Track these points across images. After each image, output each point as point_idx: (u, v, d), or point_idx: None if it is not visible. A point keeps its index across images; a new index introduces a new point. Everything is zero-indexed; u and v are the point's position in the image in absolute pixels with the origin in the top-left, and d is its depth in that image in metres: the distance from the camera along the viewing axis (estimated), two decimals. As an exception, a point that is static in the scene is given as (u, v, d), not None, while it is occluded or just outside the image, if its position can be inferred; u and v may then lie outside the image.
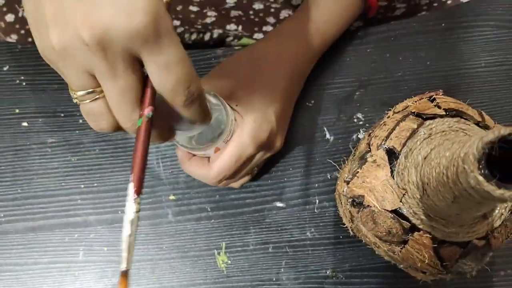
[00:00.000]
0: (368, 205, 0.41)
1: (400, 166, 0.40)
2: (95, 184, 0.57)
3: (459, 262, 0.42)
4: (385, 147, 0.41)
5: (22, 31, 0.67)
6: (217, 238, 0.56)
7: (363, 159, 0.43)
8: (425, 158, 0.38)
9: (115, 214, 0.57)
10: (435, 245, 0.40)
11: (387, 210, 0.40)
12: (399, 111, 0.44)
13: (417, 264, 0.42)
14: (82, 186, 0.57)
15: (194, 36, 0.82)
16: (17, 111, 0.59)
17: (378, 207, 0.40)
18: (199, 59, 0.60)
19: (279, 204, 0.56)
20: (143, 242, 0.56)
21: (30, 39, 0.67)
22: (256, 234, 0.56)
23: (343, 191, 0.44)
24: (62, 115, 0.59)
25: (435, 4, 0.70)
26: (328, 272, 0.55)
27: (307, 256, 0.55)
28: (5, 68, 0.60)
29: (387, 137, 0.42)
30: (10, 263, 0.56)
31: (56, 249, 0.56)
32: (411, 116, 0.42)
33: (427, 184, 0.37)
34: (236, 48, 0.61)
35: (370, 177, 0.41)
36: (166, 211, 0.57)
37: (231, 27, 0.75)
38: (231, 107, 0.48)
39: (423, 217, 0.40)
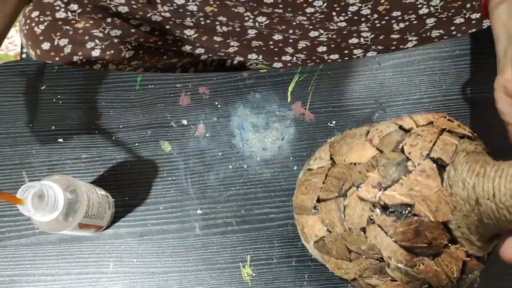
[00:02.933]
0: (415, 215, 0.40)
1: (450, 179, 0.41)
2: (126, 198, 0.60)
3: (470, 275, 0.43)
4: (432, 157, 0.42)
5: (57, 58, 0.71)
6: (242, 251, 0.58)
7: (401, 166, 0.42)
8: (473, 183, 0.40)
9: (145, 227, 0.59)
10: (467, 259, 0.41)
11: (438, 221, 0.40)
12: (423, 125, 0.46)
13: (436, 279, 0.42)
14: (114, 200, 0.60)
15: (215, 62, 0.86)
16: (53, 128, 0.62)
17: (431, 218, 0.40)
18: (226, 82, 0.63)
19: (302, 219, 0.59)
20: (171, 254, 0.59)
21: (65, 66, 0.71)
22: (280, 248, 0.58)
23: (373, 196, 0.42)
24: (96, 132, 0.62)
25: (445, 37, 0.74)
26: (350, 286, 0.57)
27: (329, 270, 0.57)
28: (42, 88, 0.64)
29: (431, 149, 0.42)
30: (43, 273, 0.58)
31: (87, 260, 0.59)
32: (446, 132, 0.43)
33: (477, 202, 0.38)
34: (262, 71, 0.64)
35: (419, 186, 0.40)
36: (193, 224, 0.59)
37: (252, 56, 0.79)
38: None
39: (465, 230, 0.41)
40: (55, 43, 0.71)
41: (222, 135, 0.61)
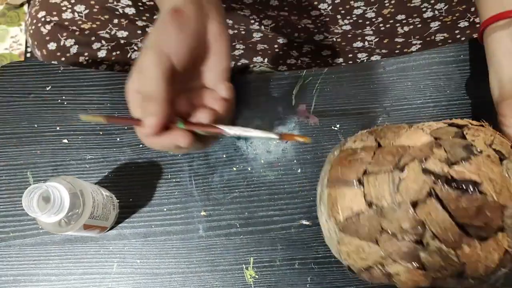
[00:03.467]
0: (482, 192, 0.41)
1: (509, 170, 0.43)
2: (131, 199, 0.60)
3: (501, 270, 0.44)
4: (494, 149, 0.44)
5: (63, 59, 0.72)
6: (245, 253, 0.59)
7: (467, 149, 0.44)
8: None
9: (149, 228, 0.59)
10: (509, 249, 0.43)
11: (500, 204, 0.42)
12: (477, 125, 0.47)
13: (474, 265, 0.43)
14: (118, 200, 0.60)
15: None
16: (58, 128, 0.62)
17: (495, 198, 0.41)
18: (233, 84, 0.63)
19: (305, 222, 0.59)
20: (175, 255, 0.59)
21: (70, 66, 0.71)
22: (283, 250, 0.59)
23: (441, 169, 0.43)
24: (101, 133, 0.62)
25: (450, 41, 0.74)
26: (355, 285, 0.57)
27: (332, 273, 0.58)
28: (48, 88, 0.64)
29: (492, 141, 0.45)
30: (47, 273, 0.59)
31: (91, 260, 0.59)
32: (498, 134, 0.47)
33: None
34: (267, 74, 0.64)
35: (486, 168, 0.42)
36: (197, 226, 0.59)
37: (257, 59, 0.79)
38: None
39: None
40: (61, 43, 0.71)
41: (226, 137, 0.62)
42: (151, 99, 0.43)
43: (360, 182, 0.46)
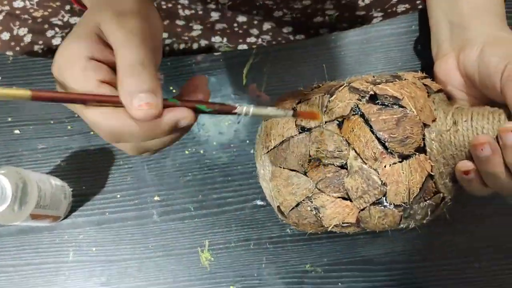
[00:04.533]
0: (402, 107, 0.43)
1: (434, 100, 0.46)
2: (84, 187, 0.60)
3: (424, 203, 0.44)
4: (423, 83, 0.46)
5: (17, 48, 0.71)
6: (200, 236, 0.58)
7: (395, 77, 0.46)
8: (453, 112, 0.45)
9: (103, 215, 0.59)
10: (430, 174, 0.43)
11: (420, 120, 0.43)
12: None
13: (396, 186, 0.43)
14: (71, 189, 0.59)
15: (182, 46, 0.85)
16: (9, 119, 0.62)
17: (415, 113, 0.43)
18: (180, 66, 0.63)
19: (259, 203, 0.59)
20: (130, 241, 0.59)
21: (25, 55, 0.70)
22: (238, 231, 0.58)
23: (365, 87, 0.45)
24: (52, 122, 0.61)
25: (411, 12, 0.73)
26: (307, 267, 0.57)
27: (287, 251, 0.57)
28: (-2, 79, 0.63)
29: (422, 77, 0.48)
30: (4, 265, 0.59)
31: (47, 250, 0.59)
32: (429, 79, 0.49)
33: (455, 123, 0.44)
34: (216, 54, 0.63)
35: (409, 89, 0.44)
36: (151, 211, 0.59)
37: (216, 39, 0.78)
38: None
39: (437, 146, 0.43)
40: (15, 32, 0.70)
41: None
42: (142, 67, 0.35)
43: (294, 109, 0.46)
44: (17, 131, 0.62)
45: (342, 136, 0.44)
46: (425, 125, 0.43)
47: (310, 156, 0.45)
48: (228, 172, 0.60)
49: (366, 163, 0.43)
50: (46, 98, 0.34)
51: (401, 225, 0.46)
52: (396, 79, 0.45)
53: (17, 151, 0.61)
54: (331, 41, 0.62)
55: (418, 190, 0.43)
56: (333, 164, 0.44)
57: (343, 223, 0.45)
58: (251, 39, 0.78)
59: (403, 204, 0.43)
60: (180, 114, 0.36)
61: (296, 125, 0.46)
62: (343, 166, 0.44)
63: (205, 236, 0.58)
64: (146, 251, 0.58)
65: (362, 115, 0.44)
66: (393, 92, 0.43)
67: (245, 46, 0.78)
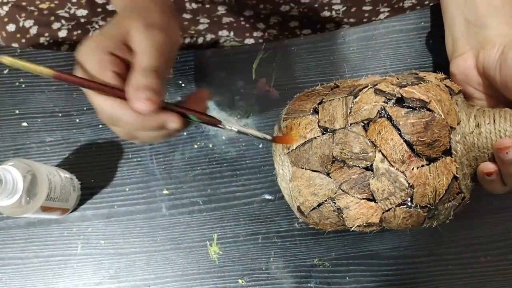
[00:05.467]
0: (430, 110, 0.43)
1: (458, 102, 0.46)
2: (92, 180, 0.60)
3: (448, 203, 0.45)
4: (445, 84, 0.47)
5: (23, 40, 0.70)
6: (209, 230, 0.59)
7: (418, 79, 0.46)
8: (475, 115, 0.46)
9: (111, 208, 0.59)
10: (455, 176, 0.44)
11: (447, 123, 0.43)
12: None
13: (423, 188, 0.43)
14: (80, 182, 0.59)
15: (188, 40, 0.85)
16: (17, 112, 0.62)
17: (442, 116, 0.43)
18: (189, 60, 0.63)
19: (268, 197, 0.59)
20: (139, 234, 0.59)
21: (31, 47, 0.70)
22: (246, 225, 0.59)
23: (392, 90, 0.44)
24: (60, 115, 0.61)
25: (418, 8, 0.73)
26: (315, 261, 0.57)
27: (295, 246, 0.58)
28: (5, 71, 0.63)
29: (443, 79, 0.48)
30: (12, 257, 0.59)
31: (55, 243, 0.59)
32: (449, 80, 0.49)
33: (477, 126, 0.45)
34: (225, 49, 0.63)
35: (435, 92, 0.44)
36: (160, 205, 0.59)
37: (223, 33, 0.78)
38: None
39: (462, 148, 0.44)
40: (21, 24, 0.70)
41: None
42: (155, 73, 0.41)
43: (316, 111, 0.47)
44: (25, 124, 0.61)
45: (369, 139, 0.44)
46: (451, 128, 0.44)
47: (333, 157, 0.45)
48: (237, 166, 0.60)
49: (393, 166, 0.43)
50: (67, 79, 0.41)
51: (424, 225, 0.47)
52: (421, 81, 0.45)
53: (25, 144, 0.61)
54: (340, 37, 0.62)
55: (444, 191, 0.44)
56: (358, 166, 0.44)
57: (366, 223, 0.46)
58: (258, 33, 0.78)
59: (428, 205, 0.44)
60: (170, 118, 0.41)
61: (319, 126, 0.46)
62: (368, 168, 0.44)
63: (213, 230, 0.59)
64: (155, 245, 0.59)
65: (389, 118, 0.43)
66: (420, 95, 0.43)
67: (251, 41, 0.78)
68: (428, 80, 0.46)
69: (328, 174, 0.46)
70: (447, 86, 0.46)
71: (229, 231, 0.59)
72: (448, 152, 0.44)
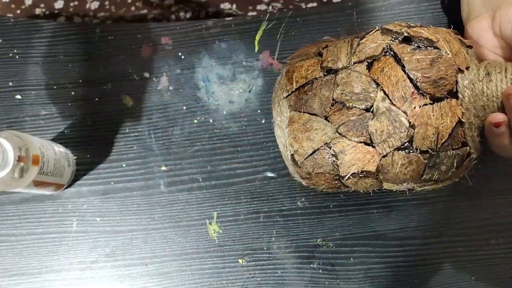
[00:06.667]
0: (437, 48, 0.42)
1: (468, 53, 0.44)
2: (88, 155, 0.58)
3: (452, 152, 0.43)
4: (455, 34, 0.45)
5: (18, 11, 0.68)
6: (208, 208, 0.57)
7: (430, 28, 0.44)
8: (485, 65, 0.44)
9: (107, 185, 0.57)
10: (461, 120, 0.42)
11: (455, 62, 0.42)
12: None
13: (425, 129, 0.41)
14: (75, 157, 0.57)
15: (189, 14, 0.82)
16: (10, 84, 0.59)
17: (450, 55, 0.41)
18: (190, 31, 0.60)
19: (270, 174, 0.57)
20: (136, 212, 0.57)
21: (21, 18, 0.68)
22: (247, 203, 0.56)
23: (399, 29, 0.43)
24: (55, 87, 0.59)
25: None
26: (318, 241, 0.55)
27: (298, 225, 0.56)
28: (-2, 42, 0.61)
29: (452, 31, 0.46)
30: (5, 234, 0.57)
31: (50, 219, 0.57)
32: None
33: (488, 75, 0.43)
34: (227, 19, 0.60)
35: (444, 35, 0.43)
36: (158, 181, 0.57)
37: (225, 5, 0.75)
38: None
39: (469, 94, 0.42)
40: None
41: (186, 88, 0.59)
42: None
43: (320, 54, 0.45)
44: (18, 96, 0.59)
45: (371, 77, 0.42)
46: (459, 70, 0.42)
47: (333, 99, 0.43)
48: (238, 142, 0.57)
49: (394, 104, 0.41)
50: None
51: (424, 176, 0.43)
52: (431, 27, 0.44)
53: (19, 117, 0.59)
54: (348, 8, 0.59)
55: (447, 136, 0.41)
56: (358, 107, 0.42)
57: (361, 171, 0.43)
58: (261, 6, 0.75)
59: (430, 149, 0.41)
60: None
61: (321, 67, 0.44)
62: (368, 109, 0.42)
63: (213, 208, 0.57)
64: (153, 222, 0.57)
65: (395, 55, 0.42)
66: (428, 35, 0.42)
67: (255, 13, 0.76)
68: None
69: (326, 118, 0.43)
70: (459, 39, 0.45)
71: (229, 209, 0.56)
72: (454, 94, 0.42)
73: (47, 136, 0.58)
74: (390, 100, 0.41)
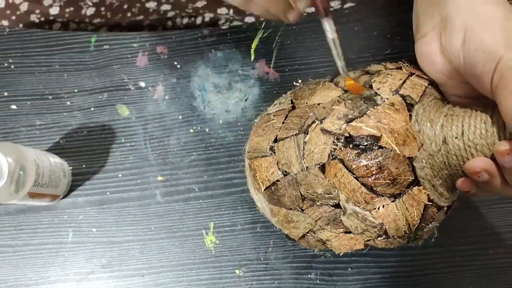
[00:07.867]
0: (381, 147, 0.39)
1: (418, 116, 0.40)
2: (84, 166, 0.57)
3: (429, 225, 0.42)
4: (402, 94, 0.40)
5: (13, 17, 0.67)
6: (205, 218, 0.56)
7: (369, 100, 0.40)
8: (442, 123, 0.39)
9: (103, 195, 0.57)
10: (429, 204, 0.40)
11: (404, 156, 0.39)
12: (392, 68, 0.43)
13: (394, 224, 0.40)
14: (71, 167, 0.57)
15: (186, 20, 0.82)
16: (5, 94, 0.59)
17: (397, 151, 0.38)
18: (185, 40, 0.59)
19: (267, 184, 0.56)
20: (132, 222, 0.56)
21: (21, 25, 0.67)
22: (244, 214, 0.56)
23: (338, 128, 0.40)
24: (50, 97, 0.59)
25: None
26: (316, 251, 0.55)
27: (295, 235, 0.55)
28: (-7, 52, 0.60)
29: (400, 86, 0.41)
30: (2, 245, 0.57)
31: (46, 230, 0.57)
32: (415, 75, 0.42)
33: (444, 142, 0.39)
34: (223, 28, 0.60)
35: (388, 119, 0.39)
36: (154, 192, 0.57)
37: (222, 10, 0.74)
38: None
39: (429, 171, 0.40)
40: (10, 1, 0.67)
41: (182, 97, 0.58)
42: None
43: (272, 150, 0.43)
44: (14, 107, 0.59)
45: (328, 180, 0.40)
46: (412, 158, 0.39)
47: (302, 196, 0.42)
48: (234, 152, 0.57)
49: (358, 206, 0.40)
50: None
51: (410, 244, 0.44)
52: (370, 108, 0.40)
53: (14, 127, 0.58)
54: (344, 15, 0.59)
55: (419, 221, 0.40)
56: (327, 205, 0.42)
57: (352, 250, 0.43)
58: (259, 12, 0.75)
59: (406, 234, 0.41)
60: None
61: (278, 168, 0.43)
62: (337, 205, 0.41)
63: (210, 218, 0.56)
64: (149, 233, 0.56)
65: (342, 161, 0.40)
66: (369, 130, 0.39)
67: (252, 19, 0.75)
68: (382, 101, 0.40)
69: (302, 211, 0.43)
70: (404, 97, 0.41)
71: (226, 219, 0.56)
72: (414, 181, 0.40)
73: (42, 147, 0.58)
74: (353, 203, 0.40)
